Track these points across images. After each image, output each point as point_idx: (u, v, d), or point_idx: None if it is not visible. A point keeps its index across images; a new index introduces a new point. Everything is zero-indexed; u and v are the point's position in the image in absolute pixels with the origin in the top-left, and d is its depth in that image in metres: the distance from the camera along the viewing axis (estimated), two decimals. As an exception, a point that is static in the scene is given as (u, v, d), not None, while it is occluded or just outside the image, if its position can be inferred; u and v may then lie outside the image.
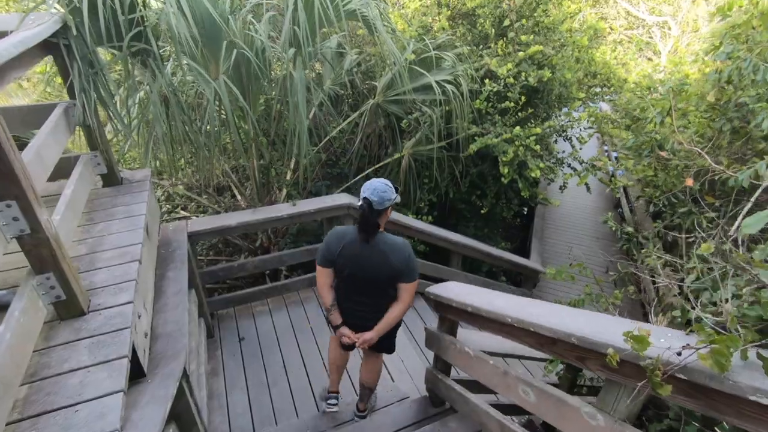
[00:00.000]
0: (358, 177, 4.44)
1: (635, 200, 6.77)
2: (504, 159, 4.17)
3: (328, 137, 4.15)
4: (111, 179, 2.43)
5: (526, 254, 6.92)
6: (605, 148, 8.98)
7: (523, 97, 4.29)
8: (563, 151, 5.82)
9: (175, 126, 2.94)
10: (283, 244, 4.03)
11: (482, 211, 5.03)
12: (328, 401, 2.57)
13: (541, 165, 4.38)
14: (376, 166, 4.50)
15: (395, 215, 3.84)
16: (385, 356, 2.49)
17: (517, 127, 3.98)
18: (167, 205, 4.29)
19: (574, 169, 5.15)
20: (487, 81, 4.28)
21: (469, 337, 2.26)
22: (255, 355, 3.23)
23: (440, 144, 4.26)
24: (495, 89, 4.20)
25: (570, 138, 6.45)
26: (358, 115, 3.99)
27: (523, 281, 5.58)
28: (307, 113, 4.56)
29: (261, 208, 3.37)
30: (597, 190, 10.02)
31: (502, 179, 4.24)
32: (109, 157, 2.37)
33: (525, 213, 8.22)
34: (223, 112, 3.11)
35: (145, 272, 1.84)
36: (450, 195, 4.96)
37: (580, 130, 5.96)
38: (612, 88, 6.57)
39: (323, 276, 2.03)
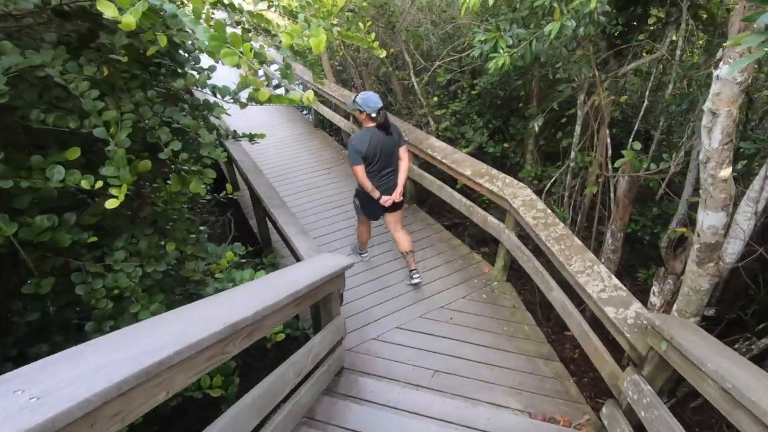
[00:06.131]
0: None
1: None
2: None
3: None
4: None
5: (265, 234, 4.11)
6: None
7: None
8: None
9: None
10: None
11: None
12: (362, 255, 3.75)
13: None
14: None
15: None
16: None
17: None
18: None
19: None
20: None
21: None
22: None
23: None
24: None
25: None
26: None
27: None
28: None
29: None
30: (263, 108, 7.78)
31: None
32: None
33: (215, 180, 4.98)
34: None
35: None
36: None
37: None
38: None
39: (362, 170, 2.95)
